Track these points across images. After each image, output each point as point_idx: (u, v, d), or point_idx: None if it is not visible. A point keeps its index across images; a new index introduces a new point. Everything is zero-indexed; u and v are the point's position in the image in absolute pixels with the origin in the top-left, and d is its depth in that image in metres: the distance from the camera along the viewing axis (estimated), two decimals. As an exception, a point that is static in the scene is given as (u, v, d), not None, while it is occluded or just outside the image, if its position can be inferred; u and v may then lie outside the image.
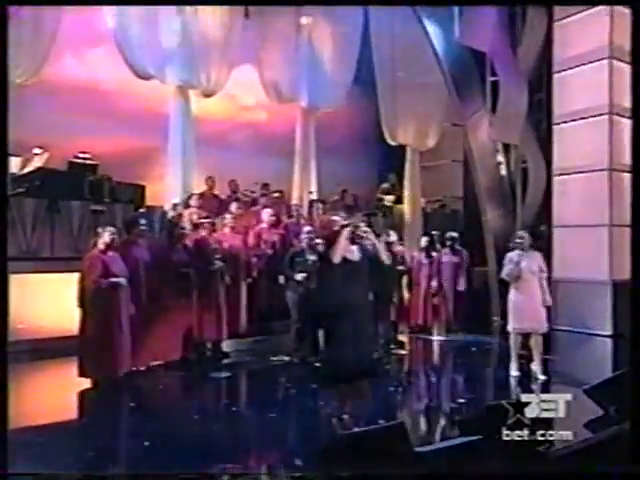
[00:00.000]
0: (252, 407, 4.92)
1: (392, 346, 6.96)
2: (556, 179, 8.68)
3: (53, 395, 5.62)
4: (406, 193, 10.10)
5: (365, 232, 6.59)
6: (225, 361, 6.44)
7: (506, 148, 9.27)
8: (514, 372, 5.78)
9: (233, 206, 7.39)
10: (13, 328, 6.54)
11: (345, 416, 4.00)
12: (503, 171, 9.29)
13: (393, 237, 7.52)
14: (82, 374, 5.36)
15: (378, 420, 4.11)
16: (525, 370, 5.75)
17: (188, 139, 8.05)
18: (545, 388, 5.39)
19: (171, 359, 6.05)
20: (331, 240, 4.15)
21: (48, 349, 6.30)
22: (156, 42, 7.50)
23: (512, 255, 5.79)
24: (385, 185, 10.67)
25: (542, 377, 5.66)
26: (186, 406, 4.97)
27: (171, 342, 6.07)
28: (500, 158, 9.29)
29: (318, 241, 6.25)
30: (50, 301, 6.67)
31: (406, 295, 8.09)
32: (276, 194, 9.18)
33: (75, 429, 4.53)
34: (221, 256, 6.47)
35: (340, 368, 3.84)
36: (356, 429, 3.39)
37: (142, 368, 5.84)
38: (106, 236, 5.39)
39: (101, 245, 5.40)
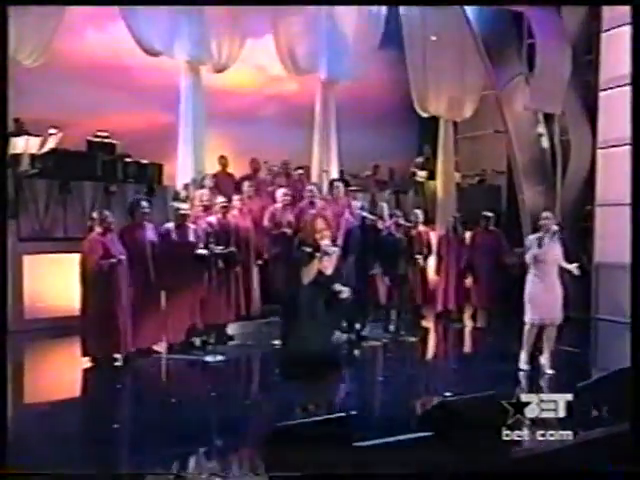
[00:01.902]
0: (231, 393, 5.22)
1: (402, 332, 7.07)
2: (600, 152, 8.35)
3: (64, 372, 6.20)
4: (439, 168, 10.01)
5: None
6: (230, 343, 6.82)
7: (547, 118, 8.95)
8: (524, 365, 5.72)
9: (245, 185, 7.63)
10: (31, 307, 7.32)
11: (311, 406, 4.21)
12: (544, 143, 9.00)
13: (419, 217, 7.63)
14: (85, 353, 5.86)
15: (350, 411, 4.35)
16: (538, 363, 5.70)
17: (199, 117, 8.32)
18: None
19: (173, 341, 6.47)
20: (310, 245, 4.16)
21: (64, 327, 6.84)
22: (162, 16, 7.75)
23: (537, 237, 5.61)
24: (419, 159, 10.60)
25: (550, 371, 5.64)
26: (167, 389, 5.35)
27: (174, 324, 6.45)
28: (541, 129, 8.99)
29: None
30: (65, 280, 7.22)
31: (432, 278, 8.15)
32: (300, 170, 9.36)
33: (72, 406, 5.04)
34: (227, 239, 6.74)
35: (297, 360, 4.02)
36: (295, 421, 3.58)
37: (143, 348, 6.27)
38: (101, 220, 5.81)
39: (99, 228, 5.84)
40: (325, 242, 4.00)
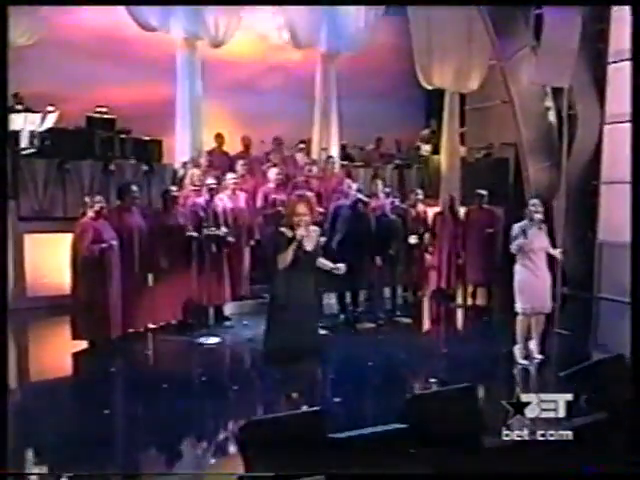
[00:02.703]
0: (220, 378, 5.43)
1: (397, 313, 7.18)
2: (607, 128, 8.23)
3: (60, 353, 6.43)
4: (444, 141, 9.93)
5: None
6: (227, 323, 7.01)
7: (555, 91, 8.77)
8: (520, 360, 5.65)
9: (238, 165, 7.69)
10: (34, 285, 7.56)
11: (294, 394, 4.35)
12: (551, 118, 8.86)
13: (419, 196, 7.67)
14: (76, 336, 6.07)
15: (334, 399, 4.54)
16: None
17: (197, 94, 8.33)
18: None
19: (168, 322, 6.68)
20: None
21: (66, 306, 7.08)
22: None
23: (523, 226, 5.55)
24: (425, 132, 10.52)
25: (539, 356, 5.73)
26: (156, 373, 5.54)
27: (168, 306, 6.65)
28: (548, 103, 8.84)
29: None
30: (65, 260, 7.41)
31: (427, 257, 8.21)
32: (301, 145, 9.39)
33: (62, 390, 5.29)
34: (217, 220, 6.83)
35: (281, 349, 4.09)
36: (270, 415, 3.73)
37: (139, 330, 6.48)
38: (95, 205, 5.96)
39: (91, 212, 5.99)
40: (300, 232, 3.86)
